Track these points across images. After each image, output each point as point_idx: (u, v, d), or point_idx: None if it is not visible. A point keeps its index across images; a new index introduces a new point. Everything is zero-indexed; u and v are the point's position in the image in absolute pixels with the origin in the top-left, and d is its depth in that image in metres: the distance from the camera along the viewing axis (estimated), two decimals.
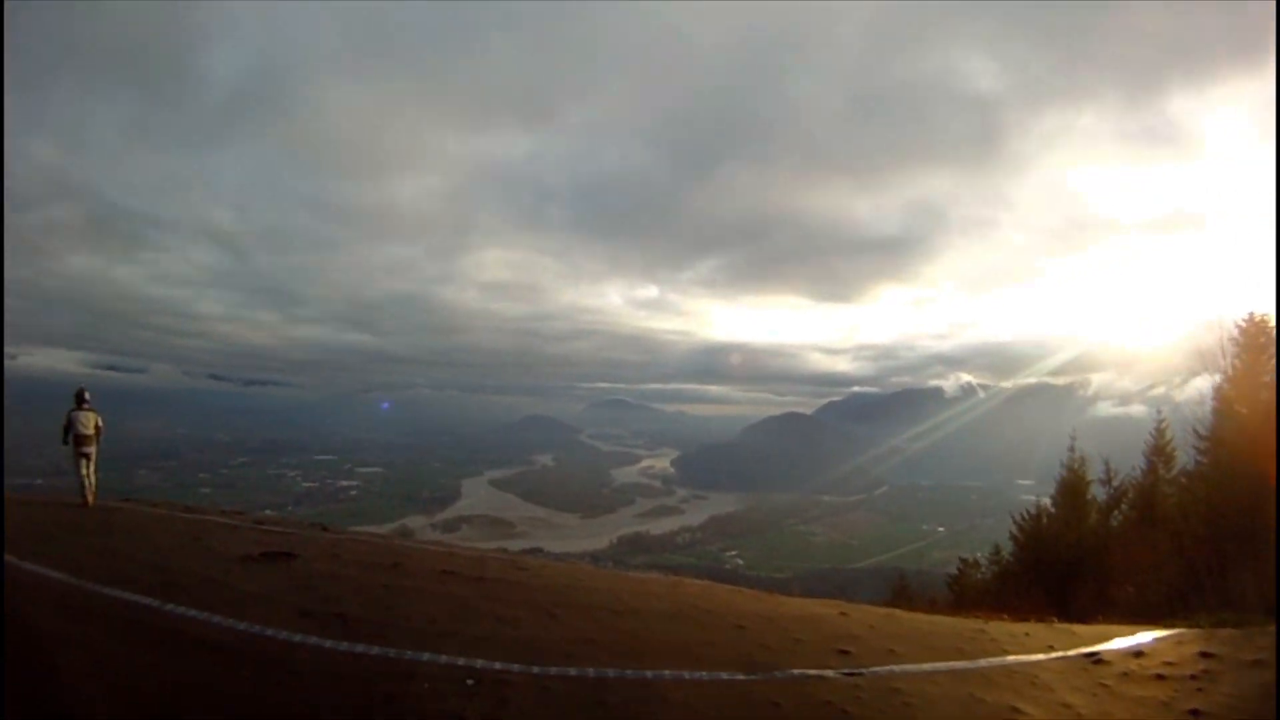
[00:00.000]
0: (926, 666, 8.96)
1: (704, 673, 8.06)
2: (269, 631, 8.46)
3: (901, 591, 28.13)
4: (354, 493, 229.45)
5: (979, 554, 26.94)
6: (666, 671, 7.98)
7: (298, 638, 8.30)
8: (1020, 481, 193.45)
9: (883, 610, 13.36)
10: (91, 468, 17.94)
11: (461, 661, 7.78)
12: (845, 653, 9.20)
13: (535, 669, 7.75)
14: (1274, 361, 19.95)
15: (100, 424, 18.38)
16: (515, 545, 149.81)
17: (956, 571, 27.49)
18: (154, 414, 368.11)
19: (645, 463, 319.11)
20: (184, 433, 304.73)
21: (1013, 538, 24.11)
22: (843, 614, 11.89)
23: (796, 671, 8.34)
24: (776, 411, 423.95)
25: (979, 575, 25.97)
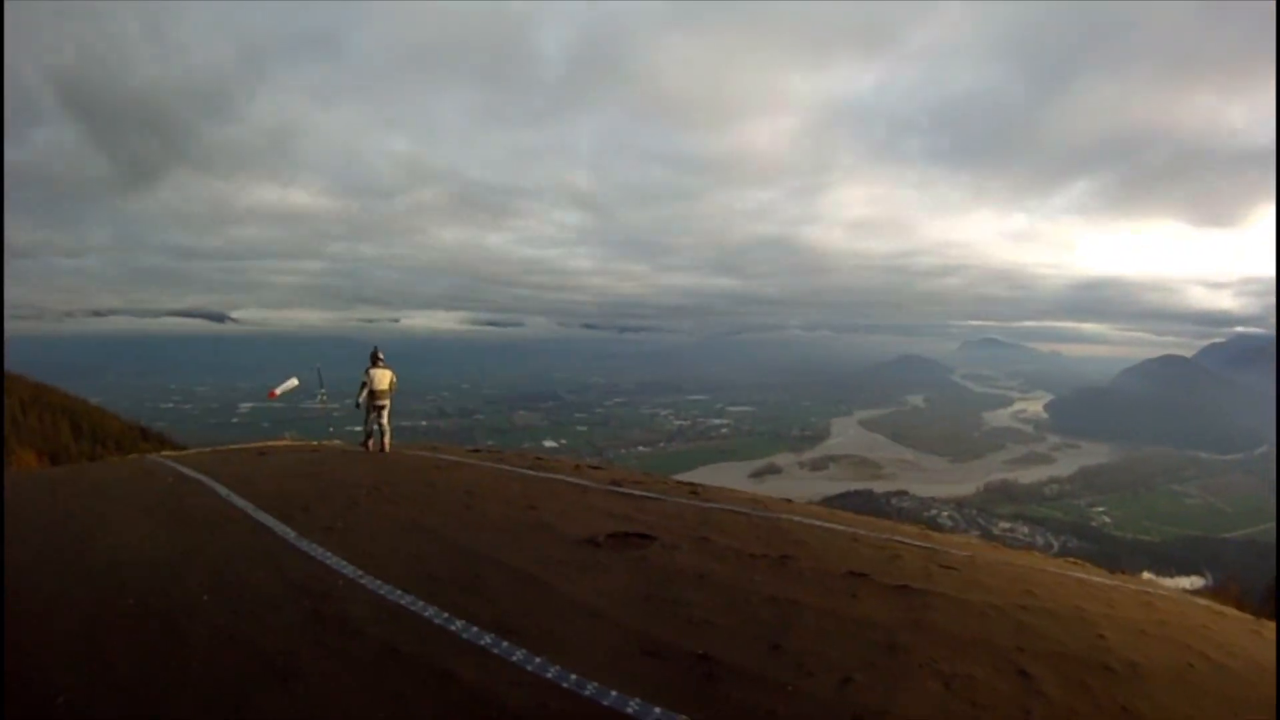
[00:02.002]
0: None
1: None
2: (588, 689, 5.32)
3: None
4: (724, 431, 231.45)
5: None
6: None
7: (632, 706, 5.09)
8: None
9: None
10: (385, 420, 19.10)
11: None
12: None
13: None
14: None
15: (394, 381, 19.42)
16: (881, 487, 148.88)
17: None
18: (532, 362, 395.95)
19: (1017, 406, 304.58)
20: (561, 377, 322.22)
21: None
22: None
23: None
24: (1154, 353, 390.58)
25: None
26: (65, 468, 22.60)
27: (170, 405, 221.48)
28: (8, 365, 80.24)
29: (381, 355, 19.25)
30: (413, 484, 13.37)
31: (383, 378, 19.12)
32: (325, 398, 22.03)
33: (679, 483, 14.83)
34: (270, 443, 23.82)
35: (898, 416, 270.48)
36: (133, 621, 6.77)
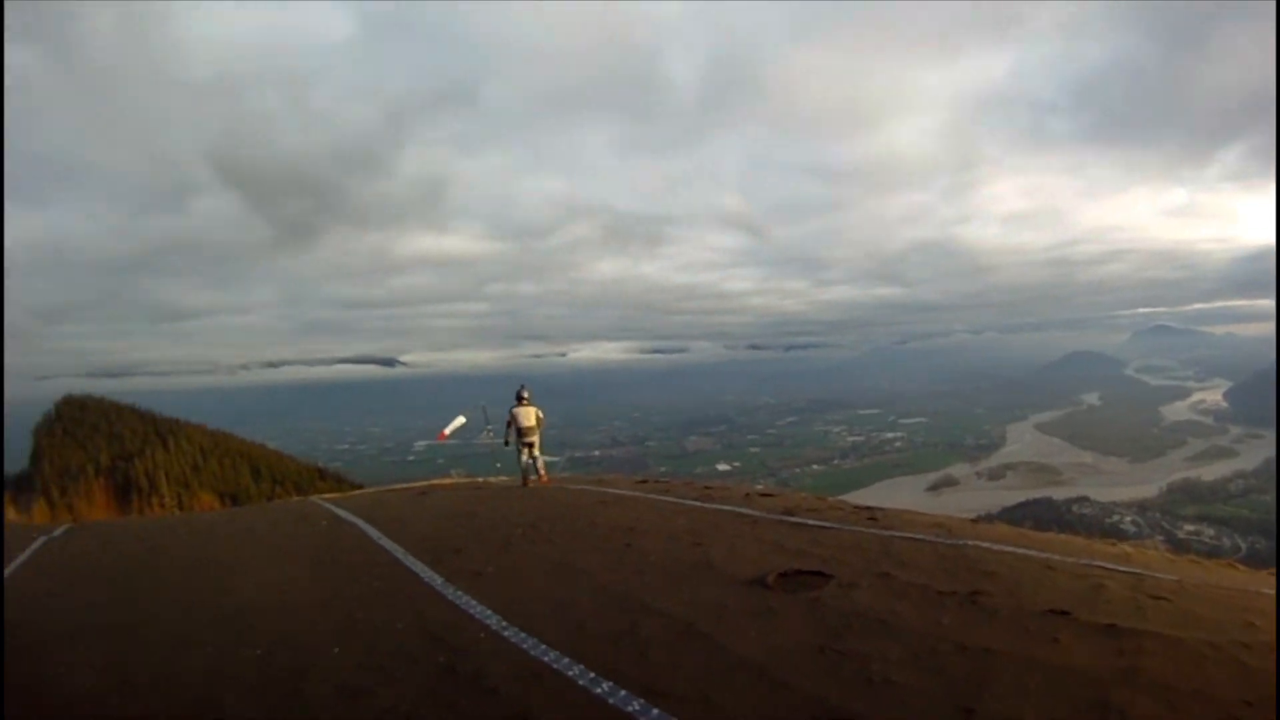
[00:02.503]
0: None
1: None
2: None
3: None
4: (898, 444, 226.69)
5: None
6: None
7: None
8: None
9: None
10: (537, 453, 19.64)
11: None
12: None
13: None
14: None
15: (540, 416, 19.87)
16: (1060, 494, 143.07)
17: None
18: (700, 386, 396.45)
19: (1196, 396, 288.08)
20: (731, 400, 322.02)
21: None
22: None
23: None
24: None
25: None
26: (223, 511, 23.11)
27: (345, 446, 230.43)
28: (188, 416, 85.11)
29: (526, 393, 19.92)
30: (571, 521, 12.64)
31: (528, 415, 19.60)
32: (491, 434, 21.61)
33: (856, 508, 13.42)
34: (434, 482, 23.93)
35: (1073, 417, 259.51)
36: (253, 671, 6.51)
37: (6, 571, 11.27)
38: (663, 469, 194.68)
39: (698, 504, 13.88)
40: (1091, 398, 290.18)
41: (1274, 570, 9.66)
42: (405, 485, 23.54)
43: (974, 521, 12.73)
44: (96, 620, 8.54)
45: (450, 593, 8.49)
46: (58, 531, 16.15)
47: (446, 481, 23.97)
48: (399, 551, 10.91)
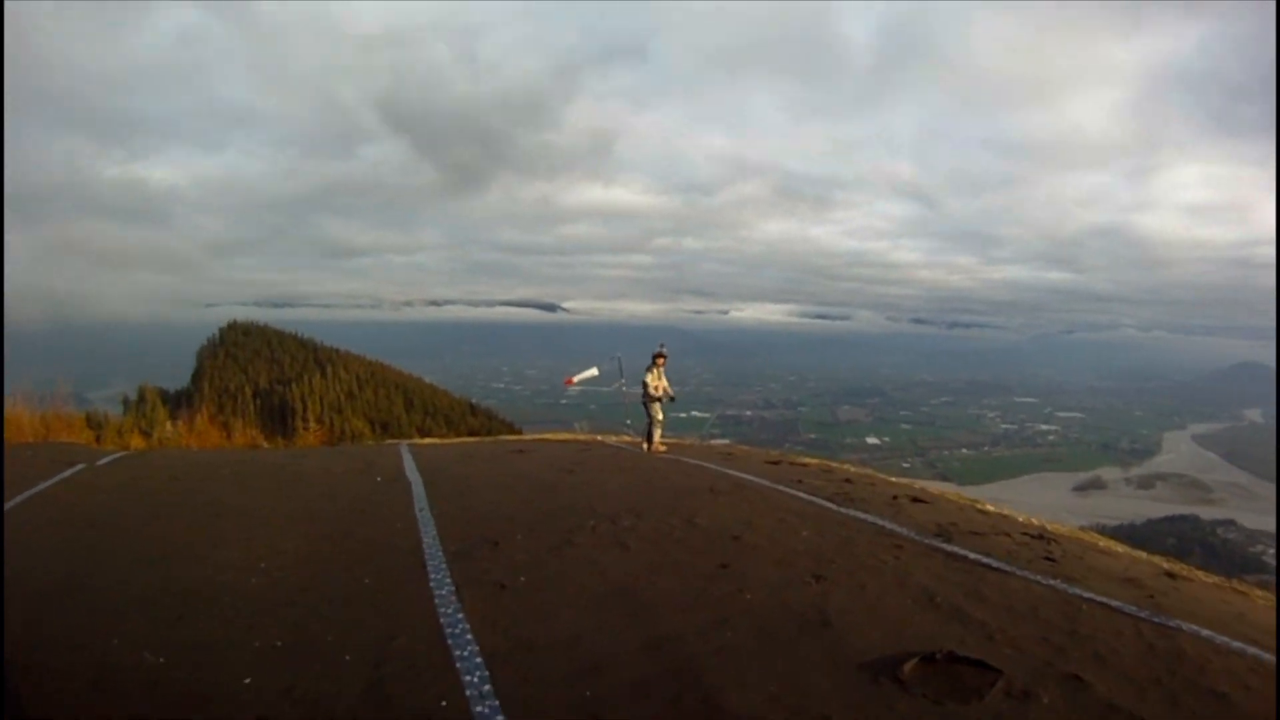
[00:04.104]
0: None
1: None
2: None
3: None
4: (1051, 438, 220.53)
5: None
6: None
7: None
8: None
9: None
10: (655, 418, 17.69)
11: None
12: None
13: None
14: None
15: (646, 382, 17.73)
16: (1208, 514, 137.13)
17: None
18: (859, 356, 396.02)
19: None
20: (887, 373, 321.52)
21: None
22: None
23: None
24: None
25: None
26: (294, 451, 21.40)
27: (501, 385, 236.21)
28: (349, 347, 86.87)
29: (660, 358, 17.87)
30: (666, 515, 9.72)
31: (656, 379, 17.74)
32: (625, 387, 19.82)
33: (1027, 534, 10.11)
34: (545, 436, 22.34)
35: (1233, 433, 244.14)
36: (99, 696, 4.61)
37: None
38: (812, 435, 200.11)
39: (831, 506, 10.76)
40: (1255, 414, 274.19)
41: None
42: (517, 438, 21.77)
43: (1173, 577, 9.34)
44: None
45: (448, 614, 6.03)
46: (104, 460, 14.24)
47: (559, 436, 22.12)
48: (429, 533, 8.56)
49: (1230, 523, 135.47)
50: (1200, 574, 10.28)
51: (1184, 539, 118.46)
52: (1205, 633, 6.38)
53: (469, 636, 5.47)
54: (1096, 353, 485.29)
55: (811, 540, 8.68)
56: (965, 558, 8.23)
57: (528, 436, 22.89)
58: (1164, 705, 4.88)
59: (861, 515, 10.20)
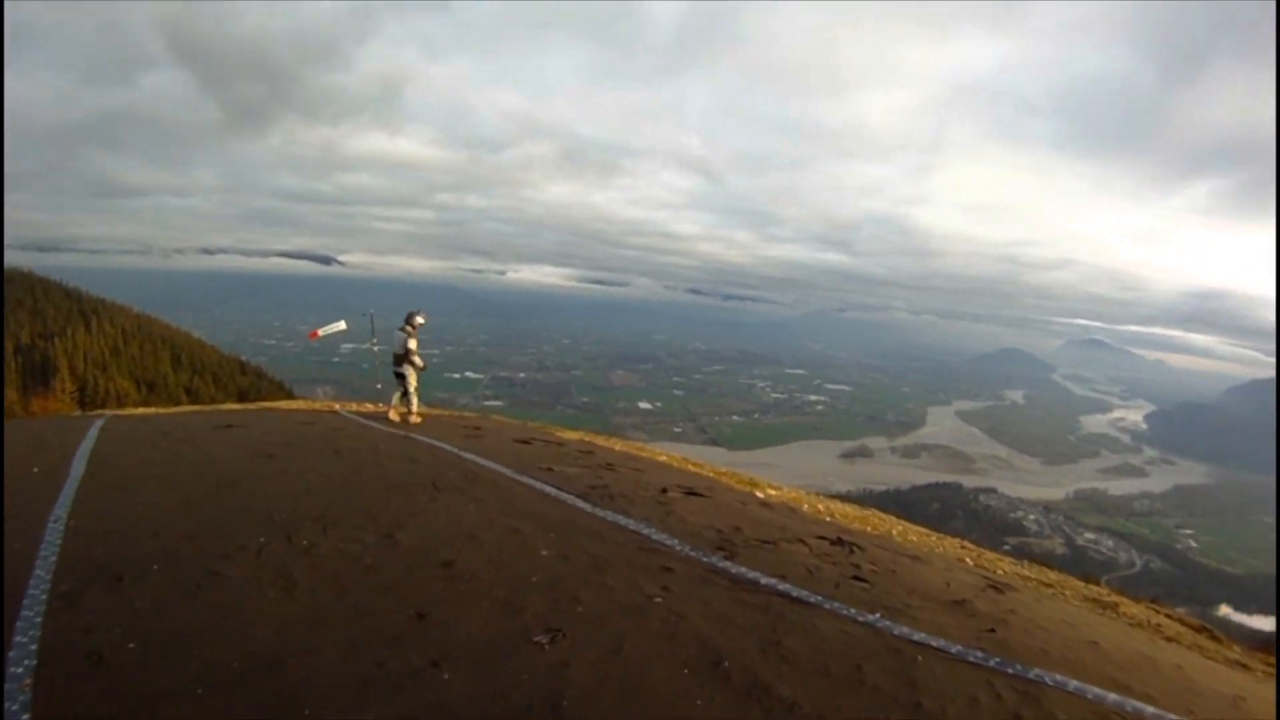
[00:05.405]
0: None
1: None
2: None
3: None
4: (820, 408, 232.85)
5: None
6: None
7: None
8: None
9: None
10: (409, 386, 16.50)
11: None
12: None
13: None
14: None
15: (410, 347, 16.34)
16: (970, 482, 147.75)
17: None
18: (635, 322, 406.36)
19: (1117, 413, 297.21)
20: (662, 340, 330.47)
21: None
22: None
23: None
24: (1263, 375, 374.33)
25: None
26: None
27: (273, 342, 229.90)
28: (117, 296, 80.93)
29: (420, 319, 16.54)
30: (362, 526, 7.32)
31: (401, 340, 16.36)
32: (376, 346, 17.98)
33: (825, 539, 8.59)
34: (277, 404, 21.00)
35: (995, 411, 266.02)
36: None
37: None
38: (585, 399, 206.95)
39: (584, 507, 8.79)
40: (1016, 395, 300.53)
41: None
42: (240, 408, 19.39)
43: (994, 588, 7.78)
44: None
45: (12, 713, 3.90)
46: None
47: (291, 405, 20.54)
48: (46, 560, 6.09)
49: (991, 490, 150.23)
50: (1017, 576, 9.52)
51: (947, 504, 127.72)
52: (1073, 685, 5.15)
53: None
54: (867, 331, 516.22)
55: (551, 564, 6.69)
56: (757, 584, 6.54)
57: (252, 406, 20.89)
58: None
59: (622, 520, 8.33)
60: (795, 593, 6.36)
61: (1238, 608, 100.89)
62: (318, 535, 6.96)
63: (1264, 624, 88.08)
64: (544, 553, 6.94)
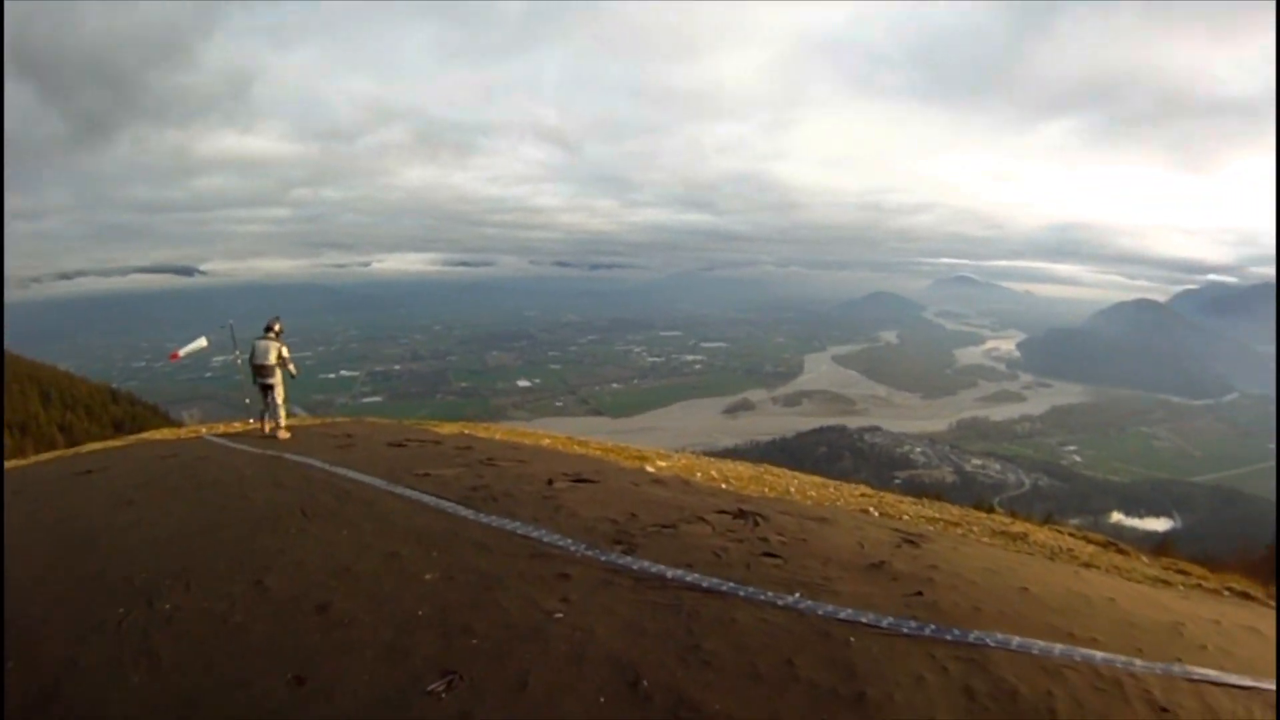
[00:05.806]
0: None
1: None
2: None
3: None
4: (698, 367, 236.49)
5: None
6: None
7: None
8: None
9: None
10: (276, 398, 15.72)
11: None
12: None
13: None
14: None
15: (285, 354, 15.65)
16: (854, 423, 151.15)
17: None
18: (504, 301, 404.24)
19: (990, 344, 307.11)
20: (533, 316, 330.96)
21: None
22: None
23: None
24: (1127, 297, 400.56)
25: None
26: None
27: (143, 364, 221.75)
28: None
29: (278, 326, 15.68)
30: (229, 576, 6.47)
31: (268, 350, 15.39)
32: (240, 358, 16.67)
33: (725, 514, 8.13)
34: (149, 435, 19.60)
35: (870, 353, 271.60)
36: None
37: None
38: (464, 384, 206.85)
39: (468, 515, 8.09)
40: (890, 336, 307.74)
41: None
42: (101, 445, 18.12)
43: (909, 542, 7.35)
44: None
45: None
46: None
47: (155, 435, 19.12)
48: None
49: (876, 429, 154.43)
50: (923, 519, 9.51)
51: (834, 446, 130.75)
52: (1016, 642, 4.86)
53: None
54: (736, 288, 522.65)
55: (437, 590, 6.04)
56: (664, 580, 6.03)
57: (117, 442, 18.81)
58: None
59: (509, 525, 7.71)
60: (706, 583, 5.90)
61: (1128, 514, 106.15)
62: (180, 594, 6.16)
63: (1155, 525, 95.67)
64: (427, 576, 6.28)
